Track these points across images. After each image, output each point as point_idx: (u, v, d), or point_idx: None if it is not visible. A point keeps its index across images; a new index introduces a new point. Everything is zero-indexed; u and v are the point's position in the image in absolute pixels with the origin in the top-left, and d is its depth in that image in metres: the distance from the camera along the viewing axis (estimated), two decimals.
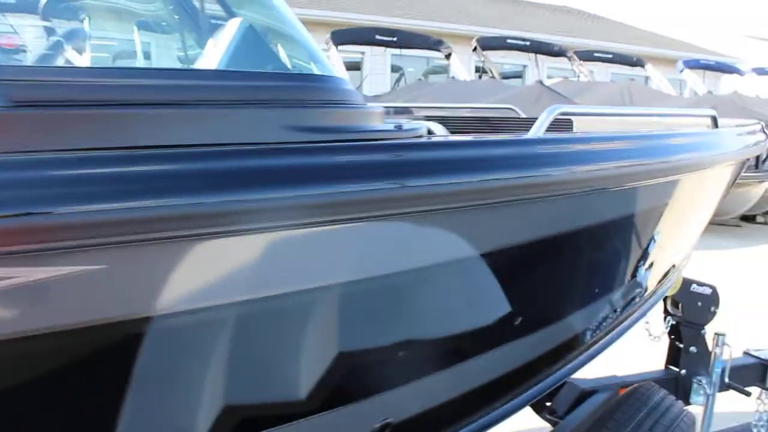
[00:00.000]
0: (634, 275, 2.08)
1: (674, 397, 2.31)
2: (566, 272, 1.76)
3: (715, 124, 2.34)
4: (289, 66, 1.58)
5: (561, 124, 2.53)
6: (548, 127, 1.56)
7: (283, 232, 1.08)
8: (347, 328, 1.28)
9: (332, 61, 11.08)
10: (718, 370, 2.76)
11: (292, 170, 1.05)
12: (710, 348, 2.81)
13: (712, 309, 2.86)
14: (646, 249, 2.06)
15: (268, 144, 1.11)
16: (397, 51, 13.15)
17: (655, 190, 1.89)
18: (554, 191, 1.47)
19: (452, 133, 2.31)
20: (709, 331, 2.86)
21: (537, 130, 1.55)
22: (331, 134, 1.21)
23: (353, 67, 15.05)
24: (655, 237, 2.06)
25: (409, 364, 1.44)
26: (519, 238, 1.52)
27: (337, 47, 10.96)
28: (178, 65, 2.19)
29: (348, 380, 1.34)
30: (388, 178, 1.14)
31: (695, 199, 2.27)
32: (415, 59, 15.75)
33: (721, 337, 2.73)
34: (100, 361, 1.01)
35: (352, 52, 14.60)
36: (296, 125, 1.18)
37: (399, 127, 1.42)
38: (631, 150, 1.69)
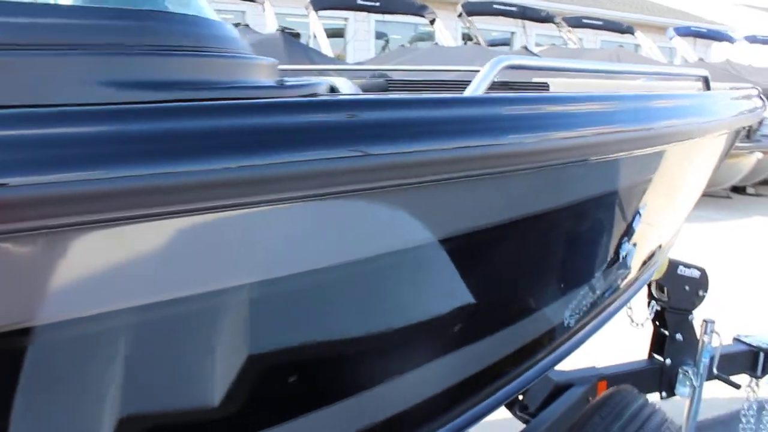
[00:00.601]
0: (616, 258, 1.84)
1: (655, 404, 2.07)
2: (542, 258, 1.53)
3: (707, 86, 2.06)
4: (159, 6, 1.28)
5: (534, 87, 2.23)
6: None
7: (159, 222, 0.82)
8: (283, 330, 1.04)
9: (312, 27, 10.81)
10: (705, 360, 2.53)
11: (110, 138, 0.75)
12: (698, 335, 2.57)
13: (701, 293, 2.64)
14: (630, 229, 1.83)
15: (90, 104, 0.81)
16: (381, 17, 12.77)
17: (638, 162, 1.62)
18: (497, 165, 1.17)
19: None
20: (697, 316, 2.64)
21: (476, 89, 1.24)
22: (181, 90, 0.91)
23: (336, 33, 14.62)
24: (640, 215, 1.82)
25: (368, 367, 1.22)
26: (477, 221, 1.25)
27: (317, 12, 10.59)
28: None
29: (298, 389, 1.12)
30: (252, 150, 0.85)
31: (685, 173, 2.01)
32: (401, 25, 15.38)
33: (709, 324, 2.49)
34: None
35: (335, 18, 14.17)
36: (136, 79, 0.89)
37: (281, 83, 1.13)
38: (601, 114, 1.38)
